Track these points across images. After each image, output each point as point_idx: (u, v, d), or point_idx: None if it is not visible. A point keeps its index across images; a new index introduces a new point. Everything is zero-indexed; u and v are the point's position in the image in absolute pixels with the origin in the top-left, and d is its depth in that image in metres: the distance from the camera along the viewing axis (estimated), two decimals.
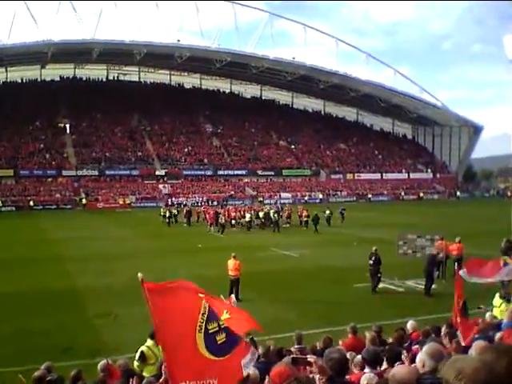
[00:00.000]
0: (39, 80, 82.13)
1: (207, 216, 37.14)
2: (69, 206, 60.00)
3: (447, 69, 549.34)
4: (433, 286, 15.98)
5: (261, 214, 37.57)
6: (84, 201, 60.73)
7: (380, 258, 16.29)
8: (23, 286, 17.85)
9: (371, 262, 16.19)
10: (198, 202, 61.66)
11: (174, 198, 64.76)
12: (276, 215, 36.53)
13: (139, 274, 6.91)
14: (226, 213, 38.03)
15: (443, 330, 7.95)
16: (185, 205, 52.91)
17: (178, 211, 42.56)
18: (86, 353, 11.06)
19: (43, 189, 62.61)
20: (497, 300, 10.64)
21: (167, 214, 40.36)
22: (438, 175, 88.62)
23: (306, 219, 36.22)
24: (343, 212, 40.23)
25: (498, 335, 6.40)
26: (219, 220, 35.08)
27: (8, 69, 77.29)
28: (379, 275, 16.10)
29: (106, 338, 12.09)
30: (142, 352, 7.81)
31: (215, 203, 57.83)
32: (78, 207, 59.54)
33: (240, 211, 39.08)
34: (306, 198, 68.51)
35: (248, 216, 36.49)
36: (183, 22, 70.85)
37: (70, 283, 18.25)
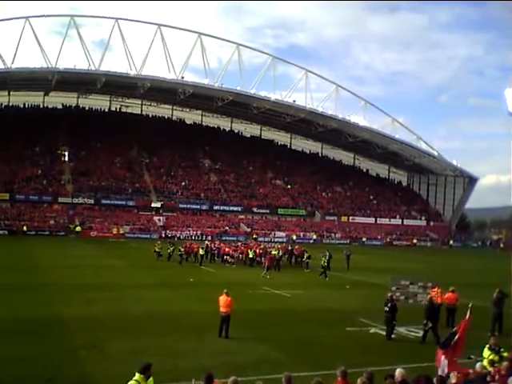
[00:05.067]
0: (41, 106, 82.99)
1: (266, 260, 32.74)
2: (62, 233, 59.69)
3: (444, 120, 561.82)
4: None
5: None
6: (78, 228, 60.43)
7: (396, 305, 16.13)
8: (7, 312, 17.58)
9: (387, 308, 15.90)
10: (191, 236, 61.70)
11: (168, 231, 64.78)
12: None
13: None
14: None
15: (435, 378, 7.96)
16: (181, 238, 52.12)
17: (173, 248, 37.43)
18: None
19: (38, 214, 62.38)
20: (486, 351, 10.71)
21: (159, 250, 37.29)
22: (431, 223, 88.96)
23: (307, 260, 35.20)
24: (349, 255, 37.59)
25: None
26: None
27: (11, 93, 78.14)
28: (394, 322, 15.90)
29: (90, 370, 11.88)
30: None
31: (209, 237, 57.56)
32: (71, 234, 59.22)
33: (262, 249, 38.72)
34: (293, 238, 67.72)
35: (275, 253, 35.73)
36: (188, 60, 71.67)
37: (56, 312, 17.98)
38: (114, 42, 68.58)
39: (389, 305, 15.94)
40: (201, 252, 36.25)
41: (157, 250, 37.56)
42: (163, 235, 62.89)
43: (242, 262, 37.20)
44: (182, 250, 36.17)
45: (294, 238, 67.87)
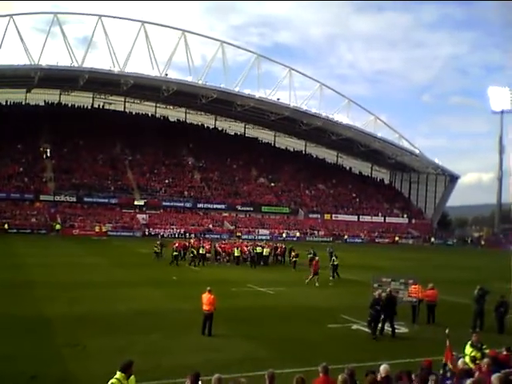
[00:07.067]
0: (23, 104, 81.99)
1: (314, 266, 27.82)
2: (43, 231, 59.06)
3: (427, 118, 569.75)
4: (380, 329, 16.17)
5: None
6: (58, 226, 59.85)
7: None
8: None
9: (378, 307, 15.77)
10: (175, 234, 61.55)
11: (151, 229, 64.54)
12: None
13: None
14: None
15: (414, 374, 8.10)
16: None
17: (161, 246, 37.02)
18: (53, 382, 10.83)
19: (19, 212, 61.66)
20: (468, 348, 10.87)
21: (158, 251, 36.33)
22: (413, 220, 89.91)
23: (294, 259, 34.65)
24: (332, 252, 35.21)
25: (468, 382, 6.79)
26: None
27: None
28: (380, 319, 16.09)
29: (73, 368, 11.81)
30: None
31: (192, 235, 57.37)
32: (53, 232, 58.64)
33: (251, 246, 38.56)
34: (283, 236, 68.55)
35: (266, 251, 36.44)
36: (172, 57, 71.41)
37: (39, 310, 17.81)
38: (98, 38, 68.26)
39: (380, 303, 15.98)
40: (201, 251, 35.38)
41: (157, 250, 36.62)
42: (146, 233, 62.77)
43: (226, 260, 37.17)
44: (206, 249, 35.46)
45: (284, 235, 68.29)
